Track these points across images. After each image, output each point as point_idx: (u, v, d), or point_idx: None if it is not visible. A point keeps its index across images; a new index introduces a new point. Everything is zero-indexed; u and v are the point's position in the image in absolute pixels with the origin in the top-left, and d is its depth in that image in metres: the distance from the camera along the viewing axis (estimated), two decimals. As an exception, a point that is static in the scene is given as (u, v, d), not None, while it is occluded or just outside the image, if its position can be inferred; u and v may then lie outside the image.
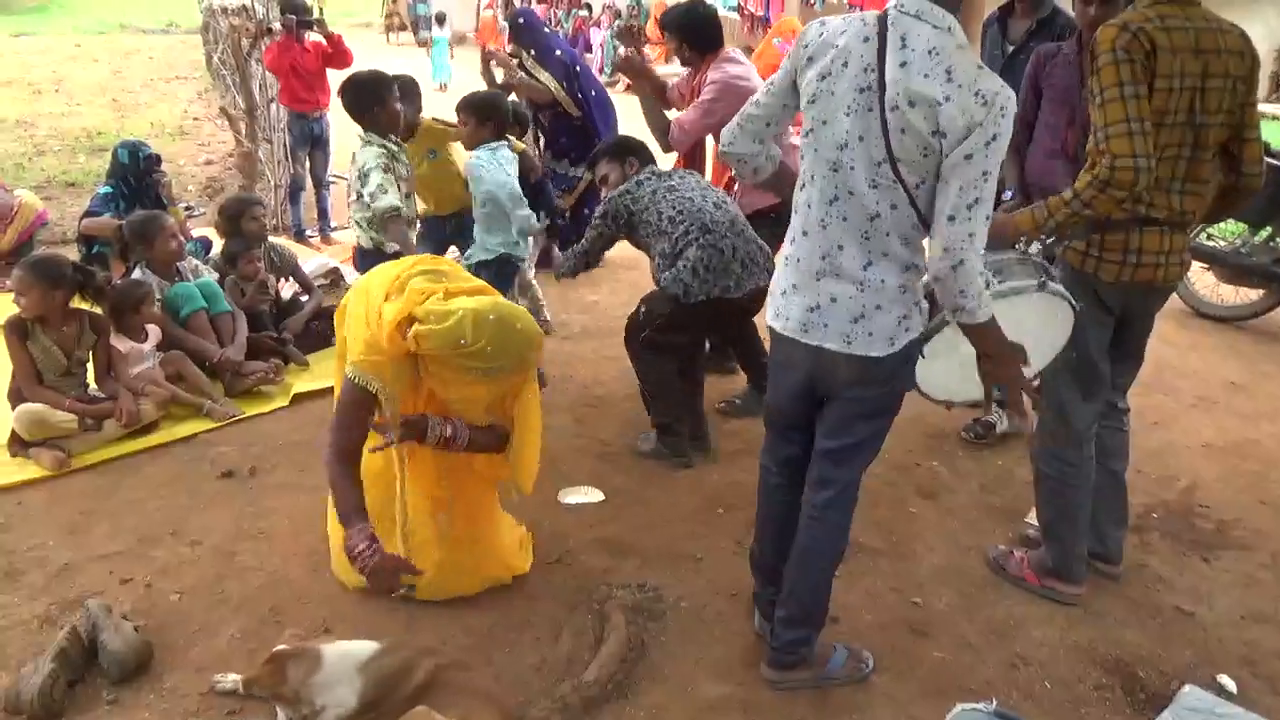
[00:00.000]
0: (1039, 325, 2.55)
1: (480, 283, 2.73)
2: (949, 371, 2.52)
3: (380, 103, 3.80)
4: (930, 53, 1.98)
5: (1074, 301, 2.55)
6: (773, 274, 3.33)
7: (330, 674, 2.28)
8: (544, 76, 5.51)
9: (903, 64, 2.00)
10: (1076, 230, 2.61)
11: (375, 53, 18.86)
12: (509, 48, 5.90)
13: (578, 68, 5.69)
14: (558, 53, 5.66)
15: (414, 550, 2.71)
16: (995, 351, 2.19)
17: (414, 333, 2.42)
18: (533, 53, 5.57)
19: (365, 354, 2.49)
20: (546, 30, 6.04)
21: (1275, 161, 5.10)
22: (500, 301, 2.59)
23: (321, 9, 19.37)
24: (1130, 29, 2.39)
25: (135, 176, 5.13)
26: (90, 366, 3.89)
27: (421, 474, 2.78)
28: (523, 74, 5.51)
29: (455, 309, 2.43)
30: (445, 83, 15.70)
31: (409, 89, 4.64)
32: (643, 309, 3.61)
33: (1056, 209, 2.50)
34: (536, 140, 5.87)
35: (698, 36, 4.04)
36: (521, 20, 5.74)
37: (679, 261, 3.40)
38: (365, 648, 2.36)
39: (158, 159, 5.25)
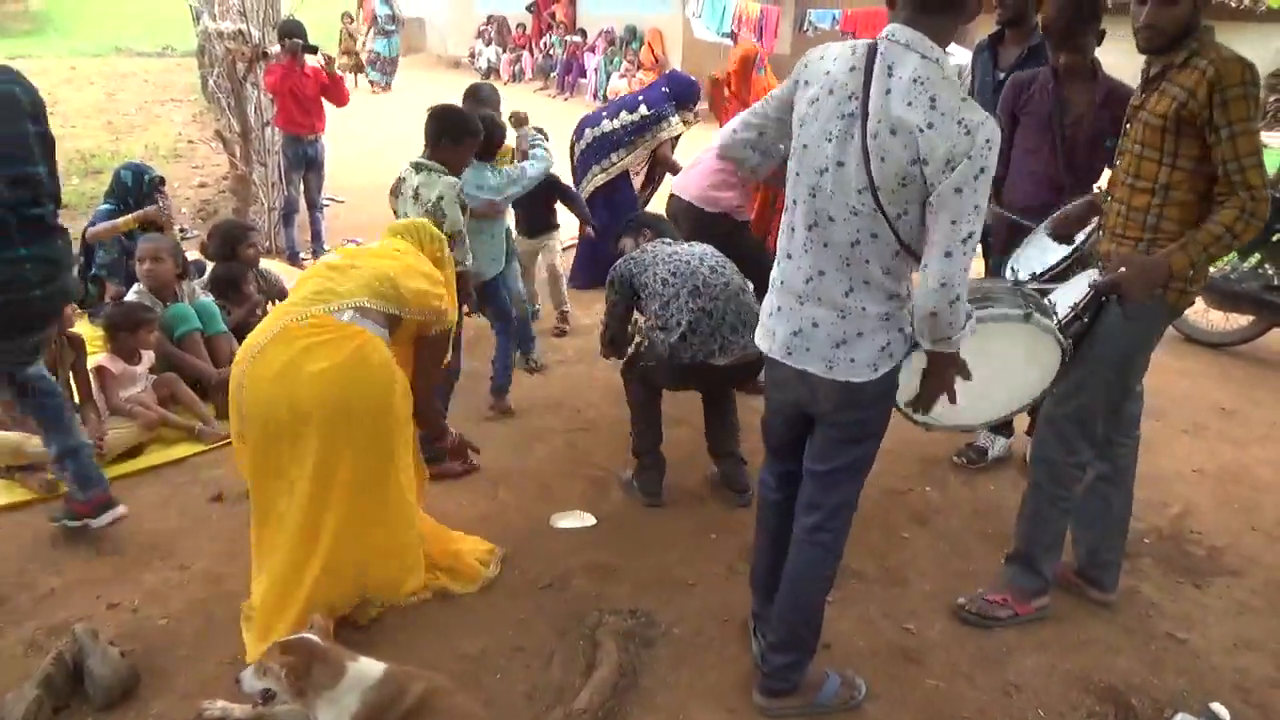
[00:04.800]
0: (1020, 358, 2.54)
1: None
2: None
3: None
4: (915, 81, 1.99)
5: (1064, 341, 2.52)
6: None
7: (340, 691, 2.26)
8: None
9: (887, 91, 2.01)
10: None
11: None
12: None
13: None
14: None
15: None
16: (948, 371, 2.23)
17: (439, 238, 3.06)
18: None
19: (444, 298, 2.87)
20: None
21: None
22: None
23: (357, 53, 18.35)
24: (1246, 63, 2.43)
25: (136, 198, 5.12)
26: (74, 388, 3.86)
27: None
28: None
29: (422, 221, 3.14)
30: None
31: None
32: (643, 345, 3.58)
33: (1211, 244, 2.49)
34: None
35: None
36: None
37: (669, 323, 3.42)
38: (375, 671, 2.34)
39: (162, 181, 5.25)
